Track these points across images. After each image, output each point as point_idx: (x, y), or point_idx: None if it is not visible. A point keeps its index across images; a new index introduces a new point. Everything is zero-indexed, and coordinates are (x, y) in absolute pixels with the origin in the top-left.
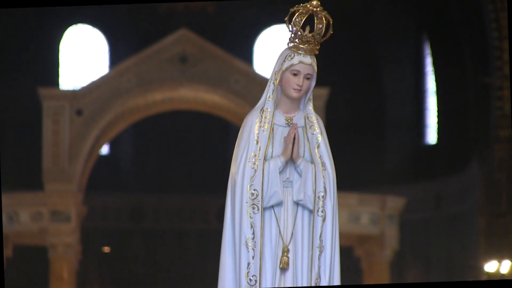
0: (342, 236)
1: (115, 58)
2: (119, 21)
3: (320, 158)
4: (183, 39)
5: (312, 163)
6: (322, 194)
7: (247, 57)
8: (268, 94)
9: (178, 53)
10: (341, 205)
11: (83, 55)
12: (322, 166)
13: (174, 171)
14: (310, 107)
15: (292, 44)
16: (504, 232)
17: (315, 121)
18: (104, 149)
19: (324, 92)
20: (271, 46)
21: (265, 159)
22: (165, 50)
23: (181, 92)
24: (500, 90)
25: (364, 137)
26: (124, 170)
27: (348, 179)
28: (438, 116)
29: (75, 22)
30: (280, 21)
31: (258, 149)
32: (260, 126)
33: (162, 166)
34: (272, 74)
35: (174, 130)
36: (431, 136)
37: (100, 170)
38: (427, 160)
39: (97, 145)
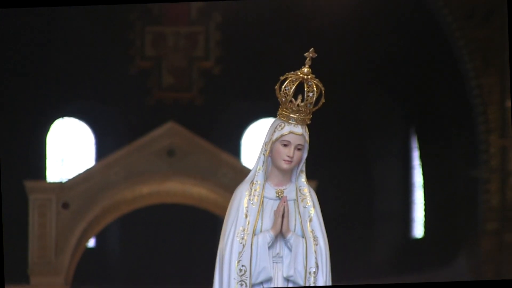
0: None
1: (102, 151)
2: (106, 114)
3: (312, 232)
4: (170, 132)
5: (303, 237)
6: (314, 270)
7: (235, 150)
8: (258, 166)
9: (166, 146)
10: None
11: (69, 148)
12: (314, 240)
13: (162, 265)
14: (303, 179)
15: (282, 113)
16: None
17: (307, 194)
18: (91, 242)
19: (312, 185)
20: (259, 139)
21: (254, 233)
22: (152, 143)
23: (168, 185)
24: (487, 183)
25: (352, 230)
26: (111, 263)
27: (335, 272)
28: (425, 210)
29: (62, 116)
30: (269, 114)
31: (247, 223)
32: (250, 200)
33: (149, 259)
34: (262, 145)
35: (161, 224)
36: (418, 230)
37: (87, 263)
38: (414, 253)
39: (84, 238)
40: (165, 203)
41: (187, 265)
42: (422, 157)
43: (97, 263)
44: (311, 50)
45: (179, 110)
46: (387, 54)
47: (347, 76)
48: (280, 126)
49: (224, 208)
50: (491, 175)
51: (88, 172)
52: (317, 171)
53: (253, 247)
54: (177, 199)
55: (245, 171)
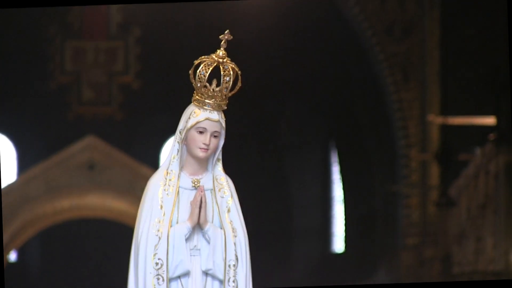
0: None
1: (23, 165)
2: (27, 128)
3: (230, 223)
4: (90, 147)
5: (221, 228)
6: (234, 262)
7: (154, 164)
8: (173, 155)
9: (86, 160)
10: None
11: None
12: (233, 232)
13: (81, 279)
14: (219, 168)
15: (197, 99)
16: None
17: (224, 183)
18: (12, 256)
19: None
20: None
21: (170, 225)
22: (72, 157)
23: (88, 199)
24: (408, 198)
25: (271, 246)
26: (32, 276)
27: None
28: (345, 225)
29: None
30: None
31: (162, 214)
32: (165, 190)
33: (70, 273)
34: (176, 133)
35: (81, 237)
36: (338, 245)
37: (8, 277)
38: (334, 268)
39: (5, 252)
40: (85, 217)
41: (107, 278)
42: (342, 171)
43: (18, 277)
44: (226, 32)
45: (99, 124)
46: (307, 67)
47: (265, 89)
48: (195, 112)
49: None
50: (411, 190)
51: (9, 186)
52: (234, 185)
53: (170, 239)
54: (97, 213)
55: None
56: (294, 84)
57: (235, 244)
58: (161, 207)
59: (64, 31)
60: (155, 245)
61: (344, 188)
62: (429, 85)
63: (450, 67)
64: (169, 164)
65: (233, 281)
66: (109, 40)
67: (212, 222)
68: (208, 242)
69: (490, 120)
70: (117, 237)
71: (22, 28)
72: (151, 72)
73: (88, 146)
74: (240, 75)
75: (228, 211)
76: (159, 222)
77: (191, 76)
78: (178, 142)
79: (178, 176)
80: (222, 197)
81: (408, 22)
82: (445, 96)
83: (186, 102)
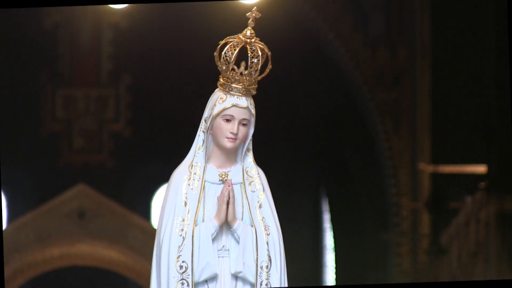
0: None
1: (13, 213)
2: (18, 175)
3: (262, 220)
4: (81, 194)
5: (252, 226)
6: (266, 264)
7: (145, 212)
8: (198, 146)
9: (76, 208)
10: None
11: None
12: (265, 229)
13: None
14: (250, 159)
15: (223, 83)
16: None
17: (255, 176)
18: None
19: None
20: None
21: (195, 224)
22: (63, 205)
23: (79, 248)
24: (398, 246)
25: None
26: None
27: None
28: (336, 273)
29: None
30: None
31: (187, 212)
32: (189, 185)
33: None
34: (201, 121)
35: (72, 286)
36: None
37: None
38: None
39: None
40: (76, 266)
41: None
42: (332, 220)
43: None
44: (254, 9)
45: (89, 172)
46: (297, 114)
47: (254, 136)
48: (221, 98)
49: (135, 270)
50: (402, 238)
51: None
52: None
53: (195, 239)
54: (87, 261)
55: (155, 234)
56: (284, 131)
57: (267, 243)
58: (185, 203)
59: (55, 79)
60: (179, 247)
61: (334, 236)
62: (419, 133)
63: (441, 115)
64: (194, 156)
65: (266, 284)
66: (100, 88)
67: (242, 219)
68: (238, 242)
69: (481, 169)
70: (108, 286)
71: (13, 76)
72: (141, 120)
73: (78, 194)
74: (270, 57)
75: (260, 206)
76: (183, 220)
77: (216, 58)
78: (203, 131)
79: (204, 169)
80: (253, 192)
81: (399, 70)
82: (435, 144)
83: (175, 151)
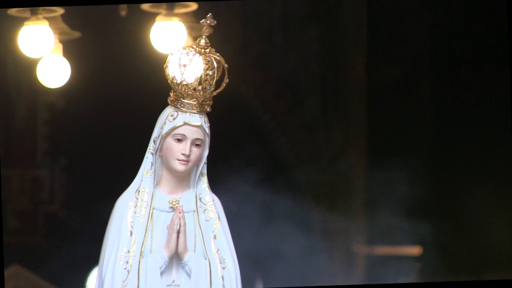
0: None
1: None
2: None
3: (217, 252)
4: (15, 276)
5: (206, 259)
6: None
7: None
8: (146, 169)
9: None
10: None
11: None
12: (221, 262)
13: None
14: (204, 184)
15: (174, 99)
16: None
17: (210, 203)
18: None
19: None
20: None
21: (142, 255)
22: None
23: None
24: None
25: None
26: None
27: None
28: None
29: None
30: None
31: (132, 242)
32: (135, 212)
33: None
34: (150, 142)
35: None
36: None
37: None
38: None
39: None
40: None
41: None
42: None
43: None
44: (208, 15)
45: (24, 253)
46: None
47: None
48: (172, 116)
49: None
50: None
51: None
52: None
53: (141, 273)
54: None
55: None
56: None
57: (222, 277)
58: (131, 233)
59: None
60: (123, 281)
61: None
62: (354, 215)
63: (375, 197)
64: (141, 181)
65: None
66: (34, 169)
67: (195, 251)
68: (189, 276)
69: (415, 250)
70: None
71: None
72: (77, 202)
73: (12, 275)
74: (227, 69)
75: (215, 237)
76: (128, 252)
77: (165, 70)
78: (151, 153)
79: (152, 195)
80: (207, 221)
81: (334, 152)
82: (370, 225)
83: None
